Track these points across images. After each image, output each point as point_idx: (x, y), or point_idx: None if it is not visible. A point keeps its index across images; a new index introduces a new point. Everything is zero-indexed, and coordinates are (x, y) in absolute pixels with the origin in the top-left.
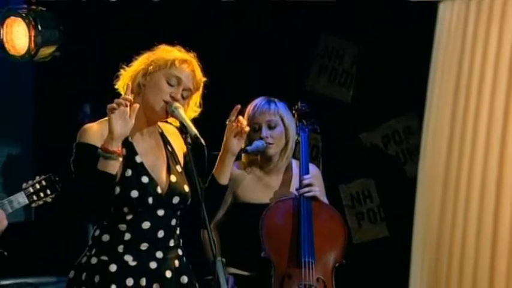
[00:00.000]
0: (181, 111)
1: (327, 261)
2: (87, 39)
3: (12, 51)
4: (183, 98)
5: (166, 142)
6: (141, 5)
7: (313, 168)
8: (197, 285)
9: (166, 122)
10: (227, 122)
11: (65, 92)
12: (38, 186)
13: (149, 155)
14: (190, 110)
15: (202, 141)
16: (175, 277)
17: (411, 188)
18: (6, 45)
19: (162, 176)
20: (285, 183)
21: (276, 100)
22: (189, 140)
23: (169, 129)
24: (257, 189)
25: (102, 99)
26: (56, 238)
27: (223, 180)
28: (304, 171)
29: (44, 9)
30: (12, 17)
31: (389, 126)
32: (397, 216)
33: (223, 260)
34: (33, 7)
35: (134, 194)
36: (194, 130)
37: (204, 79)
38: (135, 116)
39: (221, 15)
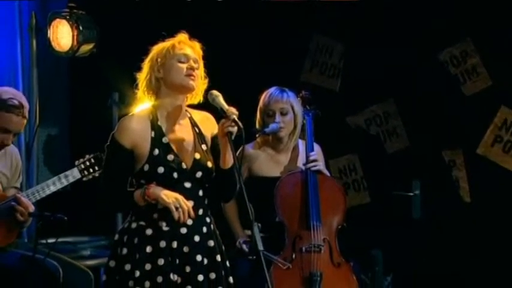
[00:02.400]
0: (220, 98)
1: (331, 224)
2: (117, 36)
3: (57, 48)
4: (196, 68)
5: (194, 124)
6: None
7: (316, 147)
8: (223, 248)
9: (195, 109)
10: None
11: (96, 81)
12: (88, 163)
13: (177, 135)
14: (200, 83)
15: (240, 124)
16: (203, 241)
17: (390, 163)
18: (53, 43)
19: (187, 153)
20: (292, 160)
21: (287, 90)
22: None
23: (198, 115)
24: (269, 165)
25: (128, 88)
26: (88, 205)
27: (224, 165)
28: (309, 149)
29: (83, 12)
30: (57, 19)
31: (371, 110)
32: (377, 186)
33: (259, 224)
34: (75, 11)
35: (160, 170)
36: (233, 115)
37: (202, 48)
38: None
39: (234, 21)
